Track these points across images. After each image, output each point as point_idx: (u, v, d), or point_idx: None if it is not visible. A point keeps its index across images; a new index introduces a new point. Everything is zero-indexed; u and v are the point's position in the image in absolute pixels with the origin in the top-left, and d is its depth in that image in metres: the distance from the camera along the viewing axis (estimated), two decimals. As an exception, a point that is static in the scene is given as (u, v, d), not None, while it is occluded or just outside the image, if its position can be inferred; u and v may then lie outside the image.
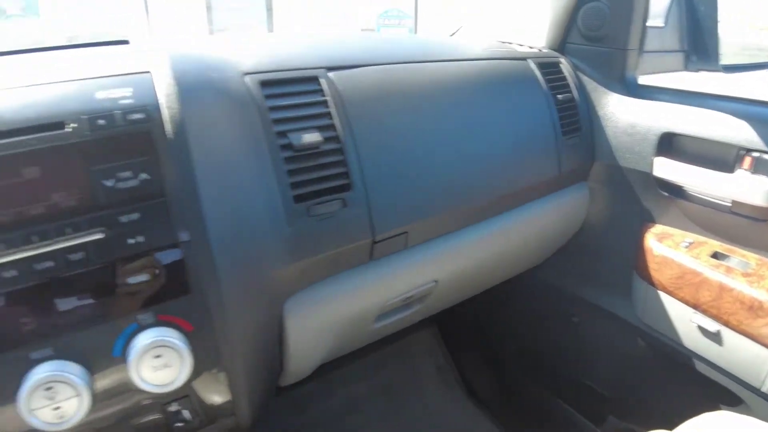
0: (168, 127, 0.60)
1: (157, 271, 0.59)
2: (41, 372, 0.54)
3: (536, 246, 1.17)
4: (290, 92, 0.74)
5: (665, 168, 1.03)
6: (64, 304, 0.56)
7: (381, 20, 6.53)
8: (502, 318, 1.48)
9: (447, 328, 1.59)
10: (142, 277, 0.59)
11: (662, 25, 1.70)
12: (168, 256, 0.60)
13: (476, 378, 1.54)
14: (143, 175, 0.59)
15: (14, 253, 0.54)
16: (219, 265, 0.63)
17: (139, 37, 0.89)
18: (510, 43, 1.21)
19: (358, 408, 1.41)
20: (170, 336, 0.59)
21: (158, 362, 0.58)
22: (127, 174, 0.58)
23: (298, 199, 0.71)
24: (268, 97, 0.71)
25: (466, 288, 1.13)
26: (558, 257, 1.27)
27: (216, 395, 0.67)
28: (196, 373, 0.62)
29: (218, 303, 0.63)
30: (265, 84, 0.72)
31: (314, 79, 0.76)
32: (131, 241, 0.58)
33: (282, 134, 0.71)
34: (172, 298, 0.61)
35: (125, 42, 0.86)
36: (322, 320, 0.79)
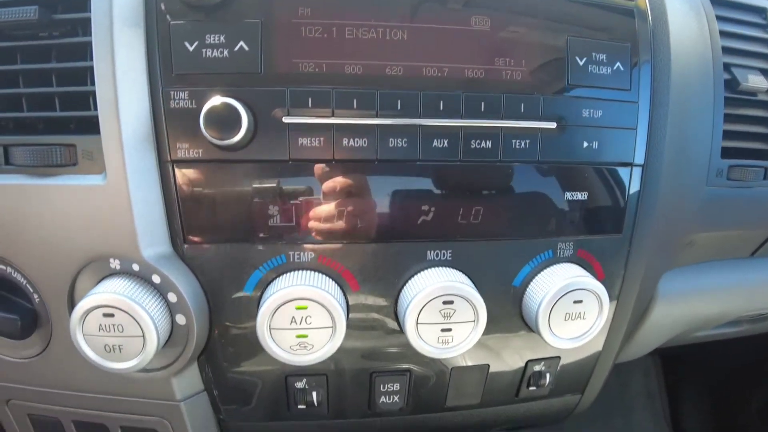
0: (650, 16, 0.46)
1: (598, 192, 0.45)
2: (443, 278, 0.43)
3: None
4: (741, 20, 0.57)
5: None
6: (478, 202, 0.44)
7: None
8: (751, 364, 1.21)
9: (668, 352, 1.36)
10: (580, 196, 0.45)
11: None
12: (617, 178, 0.45)
13: (689, 417, 1.31)
14: (618, 65, 0.44)
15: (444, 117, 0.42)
16: (659, 208, 0.48)
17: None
18: None
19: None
20: (589, 277, 0.45)
21: (575, 309, 0.44)
22: (602, 57, 0.44)
23: (725, 153, 0.54)
24: (720, 19, 0.55)
25: None
26: None
27: (580, 367, 0.53)
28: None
29: (640, 253, 0.48)
30: (716, 3, 0.56)
31: (764, 11, 0.59)
32: (586, 144, 0.44)
33: (726, 67, 0.54)
34: (600, 232, 0.46)
35: None
36: (685, 309, 0.61)
